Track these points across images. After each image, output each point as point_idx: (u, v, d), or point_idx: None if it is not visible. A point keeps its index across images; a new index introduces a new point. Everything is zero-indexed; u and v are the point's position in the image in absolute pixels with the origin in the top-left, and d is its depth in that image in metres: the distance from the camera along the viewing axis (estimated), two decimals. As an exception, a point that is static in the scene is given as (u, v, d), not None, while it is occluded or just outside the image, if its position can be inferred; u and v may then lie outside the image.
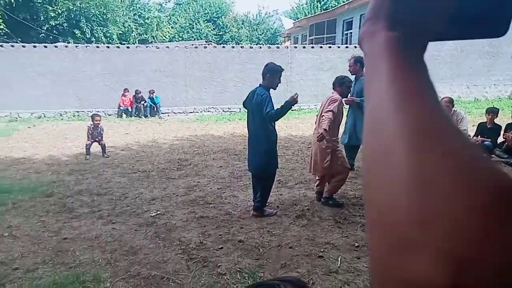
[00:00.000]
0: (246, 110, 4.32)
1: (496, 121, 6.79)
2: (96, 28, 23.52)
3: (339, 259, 3.21)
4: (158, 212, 4.37)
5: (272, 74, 4.04)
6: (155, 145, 8.41)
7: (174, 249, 3.46)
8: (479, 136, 6.69)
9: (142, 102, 13.20)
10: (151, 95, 13.19)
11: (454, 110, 6.12)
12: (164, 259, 3.28)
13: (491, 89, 15.42)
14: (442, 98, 6.18)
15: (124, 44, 16.64)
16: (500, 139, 6.72)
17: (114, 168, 6.46)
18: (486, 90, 15.38)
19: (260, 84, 4.13)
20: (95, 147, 7.35)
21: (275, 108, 3.96)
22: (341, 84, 4.42)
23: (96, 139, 7.25)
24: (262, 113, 3.89)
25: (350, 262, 3.17)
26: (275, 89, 4.11)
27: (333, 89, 4.50)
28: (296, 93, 4.20)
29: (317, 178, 4.68)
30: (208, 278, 2.97)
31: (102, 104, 13.23)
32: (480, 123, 6.97)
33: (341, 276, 2.95)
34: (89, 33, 23.02)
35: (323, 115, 4.21)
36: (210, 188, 5.27)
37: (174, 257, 3.30)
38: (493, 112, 6.71)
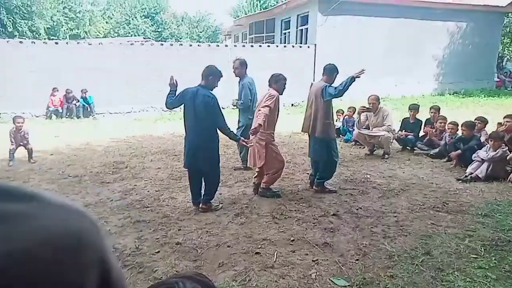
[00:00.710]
0: (183, 106, 4.23)
1: (418, 116, 7.40)
2: (20, 22, 21.64)
3: (275, 254, 3.31)
4: (91, 219, 4.16)
5: (214, 77, 4.18)
6: (88, 148, 7.98)
7: (108, 256, 3.33)
8: (403, 130, 7.26)
9: (74, 102, 12.43)
10: (84, 94, 12.46)
11: (380, 107, 6.57)
12: (96, 267, 3.14)
13: (416, 87, 16.73)
14: (370, 96, 6.61)
15: (52, 39, 15.51)
16: (422, 133, 7.34)
17: (42, 174, 6.03)
18: (411, 88, 16.66)
19: (200, 84, 4.16)
20: (20, 152, 6.80)
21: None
22: (276, 81, 4.63)
23: (21, 143, 6.69)
24: (209, 114, 4.04)
25: (286, 256, 3.29)
26: (212, 90, 4.21)
27: (269, 86, 4.68)
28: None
29: (256, 171, 4.86)
30: (144, 284, 2.90)
31: (28, 105, 12.23)
32: (404, 118, 7.56)
33: (277, 271, 3.05)
34: (11, 26, 21.11)
35: (260, 110, 4.41)
36: (148, 191, 5.13)
37: (108, 265, 3.18)
38: (414, 108, 7.31)
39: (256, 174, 4.88)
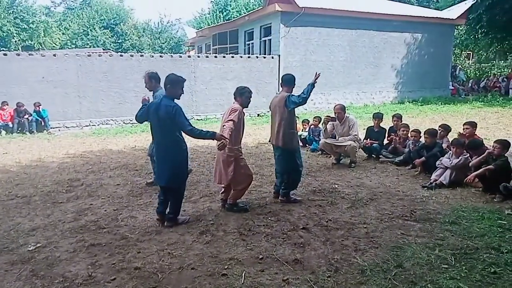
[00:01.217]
0: (150, 121, 4.12)
1: (382, 124, 7.49)
2: (-35, 32, 20.26)
3: (243, 275, 3.09)
4: (38, 245, 3.76)
5: (173, 85, 4.00)
6: (40, 165, 7.41)
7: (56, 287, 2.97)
8: (368, 139, 7.30)
9: (26, 116, 11.64)
10: (37, 108, 11.71)
11: (346, 116, 6.57)
12: (41, 302, 2.78)
13: (377, 95, 17.22)
14: (335, 106, 6.59)
15: (1, 50, 14.57)
16: (386, 141, 7.42)
17: (-15, 195, 5.47)
18: (373, 97, 17.13)
19: (164, 95, 4.04)
20: (-40, 172, 6.18)
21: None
22: (241, 95, 4.49)
23: (-39, 162, 6.08)
24: (174, 124, 3.89)
25: (254, 276, 3.07)
26: (178, 99, 4.07)
27: (234, 99, 4.54)
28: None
29: (222, 186, 4.69)
30: (96, 318, 2.58)
31: (-27, 120, 11.33)
32: (368, 127, 7.62)
33: (245, 294, 2.83)
34: (-45, 37, 19.71)
35: (224, 125, 4.25)
36: (105, 210, 4.76)
37: (55, 298, 2.82)
38: (378, 117, 7.39)
39: (222, 190, 4.75)
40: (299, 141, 8.81)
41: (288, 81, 4.82)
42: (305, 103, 4.62)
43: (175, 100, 4.03)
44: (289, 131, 4.70)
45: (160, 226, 4.16)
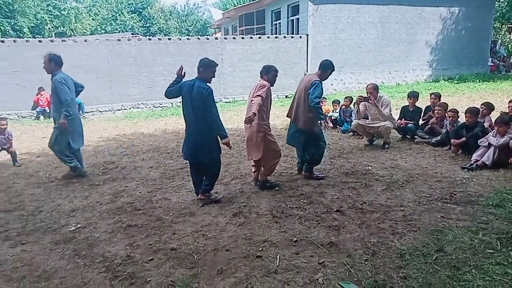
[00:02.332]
0: (182, 100, 4.23)
1: (417, 104, 7.18)
2: (2, 21, 20.97)
3: (277, 257, 3.08)
4: (79, 226, 3.90)
5: (206, 69, 4.13)
6: (77, 149, 7.65)
7: (97, 267, 3.07)
8: (403, 119, 7.04)
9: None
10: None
11: (380, 96, 6.33)
12: (84, 281, 2.88)
13: (410, 74, 16.54)
14: (368, 85, 6.36)
15: (36, 37, 15.02)
16: (421, 121, 7.13)
17: (28, 178, 5.72)
18: (405, 75, 16.47)
19: (196, 77, 4.17)
20: (4, 156, 6.48)
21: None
22: (267, 73, 4.57)
23: (4, 146, 6.37)
24: (205, 105, 4.01)
25: (289, 259, 3.05)
26: (210, 82, 4.18)
27: (260, 77, 4.64)
28: None
29: (252, 163, 4.85)
30: (136, 297, 2.65)
31: (13, 106, 11.83)
32: (403, 106, 7.34)
33: (280, 276, 2.81)
34: (-6, 26, 20.50)
35: (252, 100, 4.33)
36: (139, 192, 4.86)
37: (96, 277, 2.92)
38: (413, 96, 7.08)
39: (253, 168, 4.87)
40: (330, 122, 8.66)
41: (324, 66, 4.85)
42: (315, 110, 4.66)
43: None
44: (308, 115, 4.75)
45: (200, 205, 4.27)
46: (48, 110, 11.93)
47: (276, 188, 4.68)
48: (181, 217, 4.03)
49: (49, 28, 25.47)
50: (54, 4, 26.62)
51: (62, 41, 12.51)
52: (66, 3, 28.13)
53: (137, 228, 3.79)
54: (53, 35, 24.36)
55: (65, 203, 4.58)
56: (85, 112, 12.42)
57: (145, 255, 3.24)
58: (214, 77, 4.22)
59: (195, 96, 4.02)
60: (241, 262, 3.05)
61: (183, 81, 4.23)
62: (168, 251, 3.29)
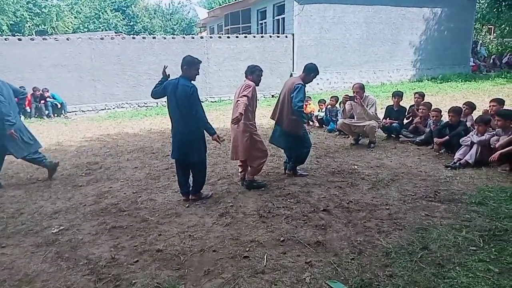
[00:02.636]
0: (167, 99, 4.22)
1: (401, 103, 7.27)
2: (-20, 18, 20.40)
3: (265, 257, 3.07)
4: (61, 228, 3.81)
5: (189, 66, 4.11)
6: (59, 149, 7.50)
7: (80, 269, 3.00)
8: (388, 118, 7.12)
9: (43, 101, 11.77)
10: (46, 93, 11.74)
11: (366, 95, 6.38)
12: (67, 284, 2.81)
13: (394, 74, 16.78)
14: (354, 85, 6.41)
15: (16, 35, 14.64)
16: (405, 121, 7.22)
17: (8, 179, 5.57)
18: (390, 75, 16.70)
19: (180, 76, 4.15)
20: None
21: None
22: (252, 73, 4.61)
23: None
24: (189, 104, 4.01)
25: (276, 259, 3.04)
26: (194, 80, 4.18)
27: (245, 77, 4.66)
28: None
29: (239, 163, 4.87)
30: (121, 300, 2.60)
31: (-7, 105, 11.51)
32: (388, 106, 7.42)
33: (268, 276, 2.80)
34: (-29, 23, 19.89)
35: (239, 100, 4.34)
36: (124, 193, 4.78)
37: (80, 280, 2.85)
38: (398, 95, 7.17)
39: (240, 169, 4.88)
40: (316, 121, 8.69)
41: (308, 69, 4.87)
42: (298, 113, 4.68)
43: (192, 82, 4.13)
44: (292, 118, 4.77)
45: (186, 206, 4.24)
46: (28, 110, 11.65)
47: (263, 188, 4.68)
48: (167, 218, 3.98)
49: (29, 26, 24.87)
50: (34, 1, 25.97)
51: (43, 39, 12.23)
52: (47, 0, 27.50)
53: (121, 230, 3.72)
54: (34, 33, 23.79)
55: (47, 205, 4.47)
56: (68, 112, 12.18)
57: (130, 256, 3.18)
58: (198, 74, 4.21)
59: (180, 95, 4.01)
60: (228, 262, 3.03)
61: (168, 80, 4.20)
62: (153, 252, 3.24)
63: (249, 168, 4.73)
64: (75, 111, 12.49)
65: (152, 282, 2.79)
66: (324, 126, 8.48)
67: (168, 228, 3.72)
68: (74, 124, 10.63)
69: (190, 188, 4.40)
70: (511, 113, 4.99)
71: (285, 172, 5.22)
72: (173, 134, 4.25)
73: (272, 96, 14.73)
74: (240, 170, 4.88)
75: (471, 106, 6.15)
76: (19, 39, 11.90)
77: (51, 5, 27.49)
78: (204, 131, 4.22)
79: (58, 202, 4.57)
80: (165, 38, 13.68)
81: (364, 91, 6.39)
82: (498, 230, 3.31)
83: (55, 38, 12.61)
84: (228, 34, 17.86)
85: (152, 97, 4.27)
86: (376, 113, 6.42)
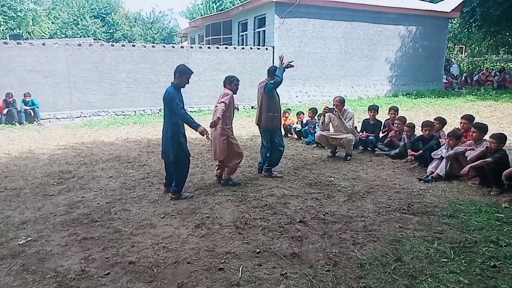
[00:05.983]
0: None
1: (377, 117, 7.44)
2: (-49, 20, 19.67)
3: (240, 269, 3.03)
4: (29, 239, 3.65)
5: (181, 75, 4.55)
6: (30, 157, 7.25)
7: (48, 283, 2.88)
8: (364, 132, 7.26)
9: (15, 107, 11.39)
10: (27, 98, 11.46)
11: (345, 109, 6.50)
12: (32, 298, 2.68)
13: (371, 88, 17.21)
14: (335, 98, 6.52)
15: (-11, 39, 14.19)
16: (381, 134, 7.38)
17: (-27, 187, 5.32)
18: (367, 89, 17.11)
19: (171, 83, 4.60)
20: None
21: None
22: (230, 83, 5.13)
23: None
24: (171, 109, 4.48)
25: (252, 271, 3.01)
26: (183, 87, 4.63)
27: (224, 87, 5.16)
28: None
29: (217, 163, 5.38)
30: (90, 314, 2.50)
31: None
32: (364, 119, 7.58)
33: (243, 289, 2.77)
34: None
35: (217, 106, 4.84)
36: (97, 203, 4.65)
37: (46, 294, 2.73)
38: (374, 109, 7.34)
39: (217, 167, 5.41)
40: (294, 133, 8.76)
41: (271, 72, 5.45)
42: (280, 83, 5.29)
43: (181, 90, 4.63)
44: (268, 114, 5.37)
45: (162, 217, 4.21)
46: (0, 116, 11.26)
47: (236, 187, 5.11)
48: (141, 229, 3.89)
49: (3, 30, 24.16)
50: (9, 5, 25.28)
51: (17, 43, 11.90)
52: (23, 4, 26.83)
53: (93, 241, 3.61)
54: (8, 37, 23.12)
55: (14, 215, 4.29)
56: (41, 119, 11.83)
57: (101, 269, 3.08)
58: (188, 83, 4.62)
59: (165, 100, 4.52)
60: (203, 274, 2.98)
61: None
62: (126, 264, 3.15)
63: (226, 168, 5.19)
64: (49, 118, 12.15)
65: (123, 295, 2.71)
66: (302, 138, 8.56)
67: (141, 239, 3.64)
68: (47, 132, 10.33)
69: (172, 185, 4.74)
70: (486, 127, 5.19)
71: (260, 172, 5.74)
72: (163, 135, 4.71)
73: (252, 107, 14.79)
74: (217, 168, 5.40)
75: (441, 121, 6.36)
76: (-8, 43, 11.54)
77: (27, 9, 26.85)
78: (184, 132, 4.60)
79: (27, 212, 4.40)
80: (145, 47, 13.57)
81: (344, 105, 6.51)
82: (468, 242, 3.40)
83: (30, 43, 12.30)
84: (209, 44, 17.90)
85: None
86: (354, 127, 6.54)
